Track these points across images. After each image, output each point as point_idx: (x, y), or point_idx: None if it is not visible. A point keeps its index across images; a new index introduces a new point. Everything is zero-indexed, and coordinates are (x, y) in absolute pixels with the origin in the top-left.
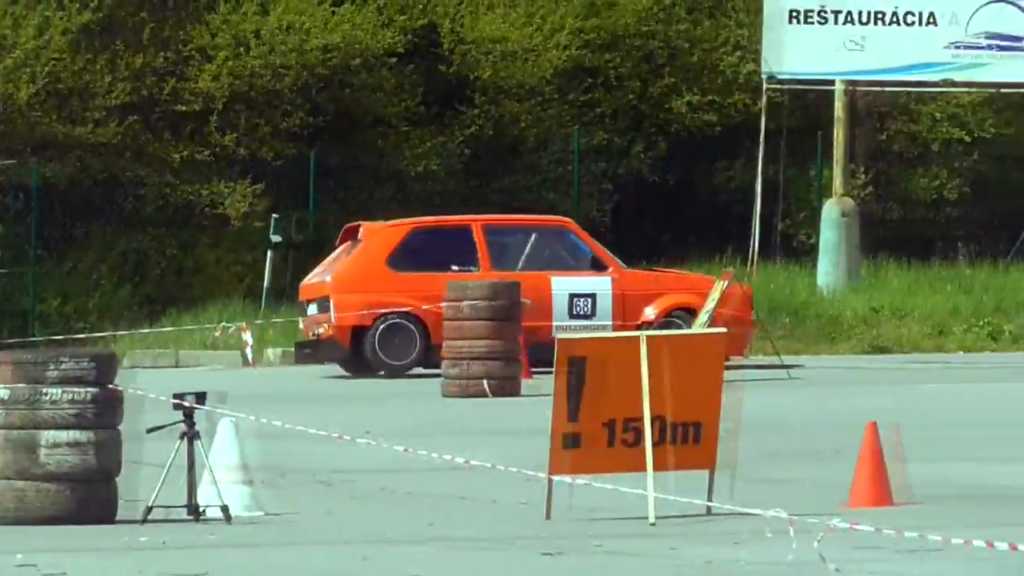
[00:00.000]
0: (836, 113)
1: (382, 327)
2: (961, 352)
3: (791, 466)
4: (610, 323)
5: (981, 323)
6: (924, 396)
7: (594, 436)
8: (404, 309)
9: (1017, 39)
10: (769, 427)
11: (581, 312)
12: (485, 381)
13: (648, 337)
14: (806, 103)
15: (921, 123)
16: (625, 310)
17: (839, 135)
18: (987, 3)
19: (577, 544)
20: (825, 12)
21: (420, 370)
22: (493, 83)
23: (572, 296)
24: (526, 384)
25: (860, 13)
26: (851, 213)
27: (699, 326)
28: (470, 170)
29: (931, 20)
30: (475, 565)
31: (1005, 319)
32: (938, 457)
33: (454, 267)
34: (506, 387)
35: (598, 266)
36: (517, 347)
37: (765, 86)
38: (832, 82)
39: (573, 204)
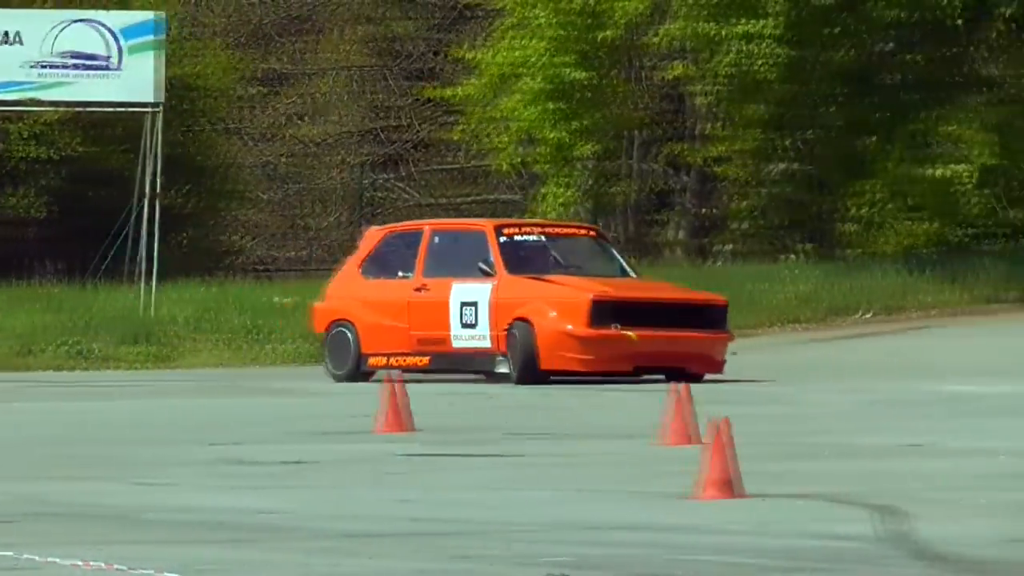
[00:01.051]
0: None
1: (330, 335)
2: (51, 371)
3: None
4: (488, 334)
5: (70, 341)
6: (13, 415)
7: None
8: (344, 318)
9: (100, 59)
10: None
11: (468, 321)
12: None
13: None
14: None
15: (8, 141)
16: (498, 320)
17: None
18: (71, 23)
19: None
20: None
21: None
22: None
23: (462, 304)
24: None
25: None
26: None
27: None
28: None
29: (17, 40)
30: None
31: (94, 337)
32: (30, 476)
33: (400, 273)
34: None
35: (486, 272)
36: None
37: None
38: None
39: None
